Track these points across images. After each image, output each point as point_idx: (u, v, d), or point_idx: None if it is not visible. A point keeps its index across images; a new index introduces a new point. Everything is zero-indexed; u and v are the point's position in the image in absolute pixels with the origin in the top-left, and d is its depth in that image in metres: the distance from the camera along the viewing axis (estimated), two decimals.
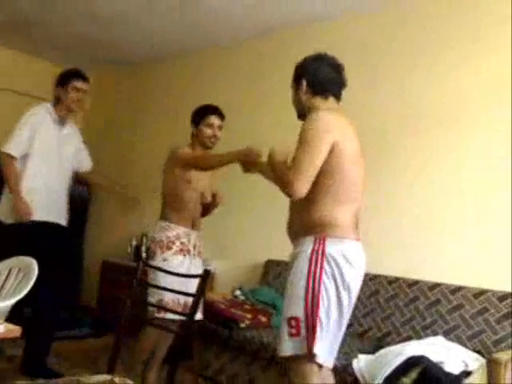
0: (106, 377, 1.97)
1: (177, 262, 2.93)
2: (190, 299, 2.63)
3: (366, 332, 3.31)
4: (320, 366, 2.03)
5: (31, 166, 3.31)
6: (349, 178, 2.07)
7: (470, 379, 2.38)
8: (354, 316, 3.35)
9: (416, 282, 3.27)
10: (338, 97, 2.25)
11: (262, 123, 4.27)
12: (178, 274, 2.48)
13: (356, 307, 3.35)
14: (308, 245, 2.03)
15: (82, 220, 5.73)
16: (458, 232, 3.26)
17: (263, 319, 3.38)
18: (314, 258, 2.00)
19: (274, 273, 3.88)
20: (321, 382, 2.03)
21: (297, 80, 2.26)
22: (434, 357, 2.48)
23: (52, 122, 3.41)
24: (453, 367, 2.45)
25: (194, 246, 3.09)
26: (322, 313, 1.97)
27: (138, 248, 4.83)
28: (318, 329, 1.97)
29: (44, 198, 3.36)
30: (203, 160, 3.01)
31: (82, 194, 5.65)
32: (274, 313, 3.46)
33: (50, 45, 5.19)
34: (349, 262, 2.02)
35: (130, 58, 5.41)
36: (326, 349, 2.00)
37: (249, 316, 3.35)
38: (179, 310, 2.79)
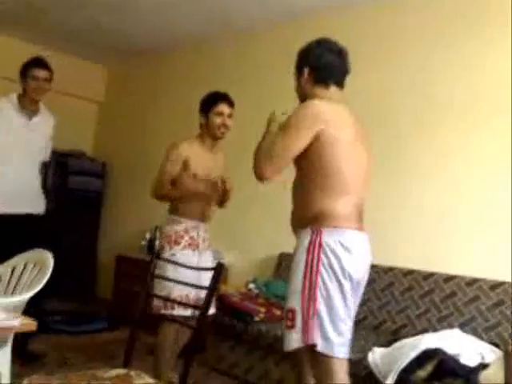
0: (121, 370, 1.99)
1: (186, 257, 2.83)
2: (202, 294, 2.57)
3: (380, 325, 3.30)
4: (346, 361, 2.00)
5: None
6: (344, 169, 2.01)
7: (487, 371, 2.36)
8: (368, 309, 3.36)
9: (431, 275, 3.25)
10: (340, 84, 2.17)
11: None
12: (188, 267, 2.46)
13: (370, 300, 3.38)
14: (305, 237, 2.01)
15: (96, 214, 5.77)
16: (473, 224, 3.23)
17: (277, 313, 3.37)
18: (311, 249, 1.97)
19: (288, 266, 3.86)
20: (344, 373, 1.99)
21: (299, 67, 2.19)
22: (449, 349, 2.46)
23: (15, 111, 3.40)
24: (469, 360, 2.43)
25: (204, 240, 3.00)
26: (320, 304, 1.94)
27: (151, 241, 4.85)
28: (316, 320, 1.93)
29: (14, 187, 3.35)
30: (158, 189, 2.95)
31: (95, 188, 5.69)
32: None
33: (60, 35, 5.20)
34: (348, 250, 1.98)
35: (141, 48, 5.40)
36: (331, 339, 1.95)
37: (263, 309, 3.35)
38: (189, 307, 2.71)
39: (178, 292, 2.73)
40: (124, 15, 4.59)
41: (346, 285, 1.97)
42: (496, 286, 2.98)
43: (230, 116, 2.98)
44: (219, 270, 2.04)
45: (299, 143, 1.98)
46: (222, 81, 4.64)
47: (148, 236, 4.93)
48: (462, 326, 2.95)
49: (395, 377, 2.43)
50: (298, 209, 2.11)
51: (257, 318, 3.27)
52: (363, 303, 3.39)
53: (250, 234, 4.35)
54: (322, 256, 1.95)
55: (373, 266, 3.47)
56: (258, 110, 4.22)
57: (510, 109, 3.11)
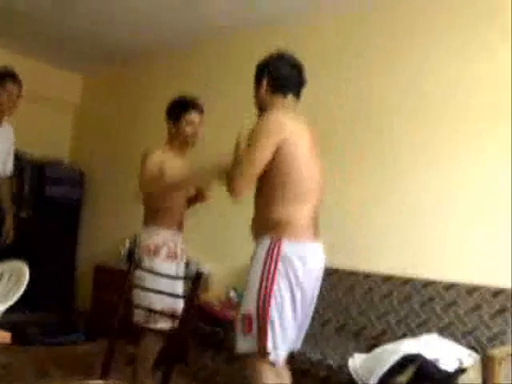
0: (99, 382, 1.96)
1: (165, 269, 2.77)
2: (178, 307, 2.63)
3: (360, 331, 3.31)
4: (273, 363, 2.06)
5: None
6: (301, 177, 2.10)
7: (465, 376, 2.38)
8: (348, 315, 3.37)
9: (409, 280, 3.27)
10: (297, 95, 2.28)
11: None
12: (167, 276, 2.45)
13: (350, 306, 3.39)
14: (265, 244, 2.07)
15: (74, 223, 5.70)
16: (451, 229, 3.27)
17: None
18: (269, 258, 2.03)
19: None
20: (276, 379, 2.05)
21: (258, 78, 2.29)
22: (428, 354, 2.48)
23: None
24: (448, 364, 2.45)
25: (181, 250, 2.97)
26: (273, 311, 2.00)
27: (130, 251, 4.80)
28: (269, 326, 2.00)
29: None
30: (153, 185, 2.82)
31: (73, 197, 5.62)
32: None
33: (35, 42, 5.15)
34: (304, 262, 2.05)
35: (118, 54, 5.36)
36: (278, 346, 2.02)
37: None
38: (169, 318, 2.64)
39: (159, 305, 2.60)
40: (99, 21, 4.56)
41: (298, 295, 2.05)
42: (473, 290, 3.01)
43: (200, 124, 2.93)
44: (198, 279, 2.03)
45: (265, 154, 2.06)
46: (201, 86, 4.64)
47: (127, 245, 4.88)
48: (441, 331, 2.97)
49: (375, 383, 2.44)
50: (259, 216, 2.17)
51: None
52: (343, 310, 3.42)
53: (230, 243, 4.34)
54: (280, 264, 2.02)
55: (351, 273, 3.53)
56: (239, 115, 4.24)
57: (509, 105, 3.12)
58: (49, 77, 5.70)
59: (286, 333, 2.03)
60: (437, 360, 2.46)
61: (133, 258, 4.58)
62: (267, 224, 2.09)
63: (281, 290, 2.01)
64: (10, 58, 5.37)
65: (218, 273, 4.31)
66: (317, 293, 2.22)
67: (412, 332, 3.09)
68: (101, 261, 5.02)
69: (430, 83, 3.46)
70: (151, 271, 2.63)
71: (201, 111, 2.94)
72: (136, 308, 2.66)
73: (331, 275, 3.60)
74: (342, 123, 3.84)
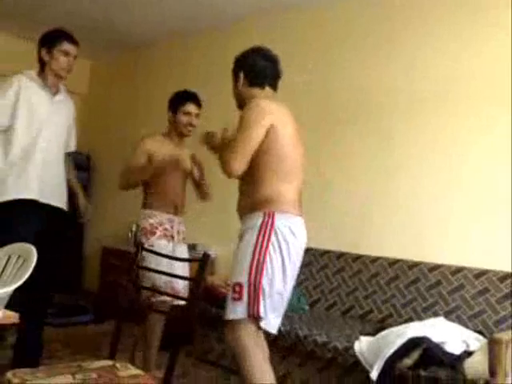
0: (107, 362, 1.98)
1: (160, 246, 2.92)
2: (177, 284, 2.87)
3: (367, 314, 3.31)
4: (256, 330, 2.15)
5: (16, 137, 2.81)
6: (288, 158, 2.22)
7: (471, 359, 2.38)
8: (355, 298, 3.38)
9: (417, 264, 3.27)
10: (273, 86, 2.39)
11: None
12: (168, 257, 2.50)
13: (357, 289, 3.40)
14: (257, 219, 2.16)
15: None
16: (458, 213, 3.25)
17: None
18: (262, 230, 2.13)
19: None
20: (254, 344, 2.13)
21: (235, 73, 2.40)
22: (435, 337, 2.48)
23: (40, 89, 2.92)
24: (454, 348, 2.46)
25: (178, 232, 3.10)
26: (264, 281, 2.10)
27: (137, 233, 4.82)
28: (261, 295, 2.09)
29: (41, 174, 2.88)
30: (126, 177, 3.07)
31: (81, 181, 5.62)
32: None
33: (44, 29, 5.12)
34: (294, 235, 2.17)
35: (125, 41, 5.35)
36: (267, 314, 2.12)
37: None
38: (170, 293, 2.80)
39: (162, 280, 2.83)
40: (108, 8, 4.53)
41: (288, 267, 2.16)
42: (480, 274, 3.01)
43: (197, 116, 3.11)
44: (205, 261, 2.03)
45: (258, 136, 2.17)
46: (207, 74, 4.62)
47: (134, 228, 4.89)
48: (447, 315, 2.97)
49: (381, 365, 2.45)
50: (249, 195, 2.25)
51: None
52: (349, 293, 3.43)
53: (237, 226, 4.34)
54: (273, 237, 2.13)
55: (358, 257, 3.54)
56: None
57: (509, 97, 3.10)
58: None
59: (273, 302, 2.14)
60: (443, 343, 2.46)
61: (136, 240, 4.64)
62: (258, 202, 2.19)
63: (272, 260, 2.11)
64: (17, 43, 5.37)
65: (225, 255, 4.32)
66: (299, 264, 2.29)
67: (418, 316, 3.09)
68: (108, 243, 5.05)
69: (437, 72, 3.43)
70: (154, 251, 2.64)
71: (198, 104, 3.13)
72: (142, 288, 2.80)
73: (338, 259, 3.61)
74: (348, 109, 3.82)
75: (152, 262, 2.71)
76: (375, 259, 3.45)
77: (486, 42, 3.24)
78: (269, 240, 2.12)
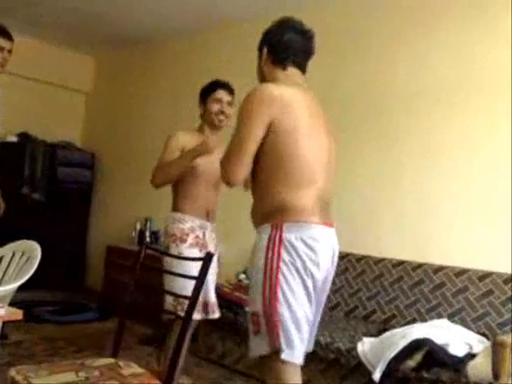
0: (109, 360, 1.98)
1: (191, 255, 2.62)
2: (211, 299, 2.72)
3: (370, 315, 3.31)
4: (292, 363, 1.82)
5: None
6: (303, 158, 1.83)
7: (475, 361, 2.37)
8: (358, 299, 3.37)
9: (421, 265, 3.26)
10: (301, 66, 1.99)
11: None
12: (192, 259, 2.37)
13: (360, 290, 3.39)
14: (265, 232, 1.83)
15: (86, 205, 5.74)
16: (463, 215, 3.24)
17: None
18: (270, 246, 1.79)
19: None
20: (296, 378, 1.84)
21: (260, 47, 2.03)
22: (438, 339, 2.47)
23: None
24: (457, 349, 2.45)
25: (210, 240, 2.81)
26: (281, 306, 1.76)
27: (142, 232, 4.84)
28: (280, 323, 1.76)
29: None
30: (161, 171, 2.69)
31: (85, 179, 5.65)
32: None
33: (48, 25, 5.13)
34: (309, 247, 1.79)
35: (129, 38, 5.33)
36: (293, 344, 1.78)
37: None
38: (200, 309, 2.62)
39: (187, 291, 2.31)
40: (112, 4, 4.53)
41: (309, 283, 1.80)
42: (485, 276, 3.00)
43: (229, 104, 2.80)
44: (208, 260, 2.03)
45: (255, 133, 1.81)
46: (213, 71, 4.61)
47: (138, 227, 4.91)
48: (451, 317, 2.97)
49: (384, 367, 2.44)
50: (257, 204, 1.92)
51: (247, 309, 3.25)
52: (353, 294, 3.42)
53: (241, 225, 4.33)
54: (283, 252, 1.78)
55: (363, 257, 3.53)
56: None
57: (510, 94, 3.09)
58: (61, 60, 5.71)
59: (300, 328, 1.79)
60: (446, 345, 2.46)
61: (143, 239, 4.63)
62: (267, 210, 1.85)
63: (288, 281, 1.77)
64: (21, 41, 5.37)
65: (229, 255, 4.31)
66: (330, 282, 2.00)
67: (422, 317, 3.08)
68: (112, 241, 5.06)
69: (443, 72, 3.41)
70: (179, 257, 2.53)
71: (230, 91, 2.83)
72: (166, 295, 2.60)
73: (342, 260, 3.60)
74: (355, 109, 3.81)
75: (175, 266, 2.45)
76: (379, 260, 3.44)
77: (493, 41, 3.22)
78: (279, 257, 1.77)
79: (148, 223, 4.81)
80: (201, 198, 2.77)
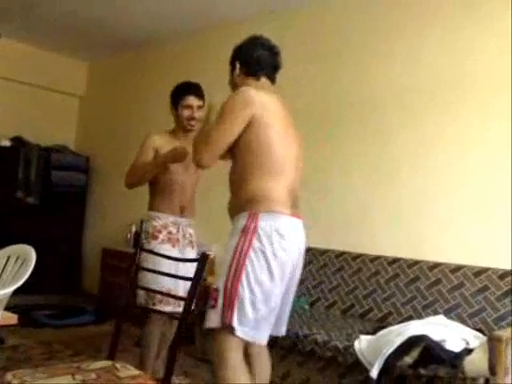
0: (106, 363, 1.98)
1: (164, 252, 2.64)
2: (180, 290, 2.67)
3: (367, 313, 3.31)
4: (240, 341, 1.98)
5: None
6: (274, 153, 2.04)
7: (471, 357, 2.38)
8: (355, 297, 3.38)
9: (416, 262, 3.27)
10: (271, 78, 2.24)
11: None
12: (169, 257, 2.40)
13: (357, 288, 3.40)
14: (241, 220, 2.02)
15: (81, 208, 5.73)
16: (458, 211, 3.25)
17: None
18: (245, 233, 1.98)
19: None
20: (239, 358, 1.99)
21: (232, 62, 2.27)
22: (435, 335, 2.48)
23: None
24: (454, 345, 2.45)
25: (184, 236, 2.91)
26: (242, 287, 1.93)
27: (137, 234, 4.82)
28: (237, 303, 1.92)
29: None
30: (133, 173, 2.87)
31: (80, 182, 5.64)
32: None
33: (42, 30, 5.13)
34: (282, 236, 1.98)
35: (123, 42, 5.34)
36: (249, 323, 1.94)
37: None
38: (171, 302, 2.70)
39: (158, 287, 2.58)
40: (105, 9, 4.53)
41: (276, 270, 1.97)
42: (480, 272, 3.01)
43: (199, 108, 2.90)
44: (203, 261, 2.02)
45: (234, 128, 2.02)
46: (210, 72, 4.61)
47: (133, 229, 4.90)
48: (447, 313, 2.97)
49: (381, 364, 2.44)
50: (234, 195, 2.12)
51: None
52: (349, 292, 3.43)
53: None
54: (255, 240, 1.96)
55: (358, 256, 3.53)
56: None
57: (509, 90, 3.10)
58: (55, 65, 5.72)
59: (258, 311, 1.95)
60: (443, 341, 2.46)
61: (139, 242, 4.61)
62: (243, 201, 2.04)
63: (254, 266, 1.94)
64: (15, 46, 5.38)
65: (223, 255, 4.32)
66: (299, 272, 2.16)
67: (418, 314, 3.09)
68: (108, 244, 5.05)
69: (437, 70, 3.42)
70: (154, 252, 2.51)
71: (199, 96, 2.92)
72: (142, 289, 2.65)
73: (338, 258, 3.61)
74: (350, 105, 3.82)
75: (148, 262, 2.53)
76: (375, 258, 3.45)
77: (488, 38, 3.23)
78: (250, 243, 1.96)
79: (143, 225, 4.79)
80: (174, 195, 2.90)
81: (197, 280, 1.98)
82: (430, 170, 3.39)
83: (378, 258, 3.44)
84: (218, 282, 2.00)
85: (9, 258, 2.45)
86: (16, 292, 2.21)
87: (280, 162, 2.05)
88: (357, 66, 3.81)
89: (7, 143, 5.29)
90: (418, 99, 3.48)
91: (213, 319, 1.96)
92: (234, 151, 2.10)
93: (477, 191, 3.19)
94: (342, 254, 3.61)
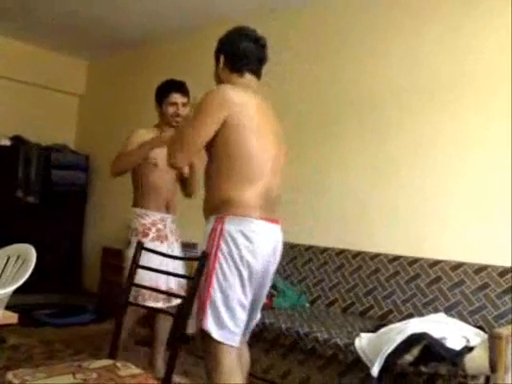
0: (107, 361, 1.98)
1: (154, 248, 2.68)
2: (174, 286, 2.78)
3: (367, 311, 3.31)
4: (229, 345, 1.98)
5: None
6: (248, 156, 1.99)
7: (472, 354, 2.38)
8: (355, 295, 3.38)
9: (417, 260, 3.27)
10: (256, 73, 2.16)
11: None
12: (179, 258, 2.44)
13: (357, 286, 3.40)
14: (209, 224, 2.02)
15: (81, 207, 5.73)
16: (458, 209, 3.25)
17: (265, 300, 3.38)
18: (212, 237, 1.99)
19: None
20: (230, 361, 1.98)
21: (216, 55, 2.20)
22: (435, 333, 2.48)
23: None
24: (454, 343, 2.45)
25: (171, 231, 2.98)
26: (214, 290, 1.94)
27: None
28: (209, 307, 1.94)
29: None
30: (120, 159, 2.88)
31: (80, 181, 5.64)
32: (275, 294, 3.47)
33: (41, 29, 5.12)
34: (249, 239, 1.96)
35: (122, 40, 5.33)
36: (224, 327, 1.95)
37: None
38: (161, 297, 2.78)
39: (148, 282, 2.58)
40: (105, 7, 4.52)
41: (245, 273, 1.97)
42: (480, 269, 3.01)
43: (184, 105, 2.95)
44: (204, 260, 2.02)
45: (208, 129, 1.98)
46: (206, 73, 4.60)
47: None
48: (448, 310, 2.97)
49: (382, 362, 2.44)
50: (207, 197, 2.10)
51: None
52: (350, 289, 3.43)
53: None
54: (222, 243, 1.96)
55: (358, 253, 3.53)
56: None
57: (509, 89, 3.09)
58: (54, 64, 5.71)
59: (233, 313, 1.97)
60: (444, 339, 2.46)
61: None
62: (213, 204, 2.03)
63: (223, 269, 1.95)
64: (14, 45, 5.38)
65: None
66: (272, 271, 2.14)
67: (419, 312, 3.09)
68: (108, 243, 5.05)
69: (436, 68, 3.42)
70: (156, 252, 2.59)
71: (184, 93, 2.97)
72: (140, 287, 2.63)
73: (338, 256, 3.61)
74: (349, 104, 3.81)
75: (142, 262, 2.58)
76: (375, 256, 3.45)
77: (486, 36, 3.23)
78: (218, 248, 1.96)
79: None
80: (161, 192, 2.96)
81: (197, 279, 1.97)
82: (429, 168, 3.38)
83: (378, 255, 3.44)
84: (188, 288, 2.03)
85: (9, 257, 2.45)
86: (16, 291, 2.21)
87: (253, 164, 2.00)
88: (355, 65, 3.81)
89: (7, 142, 5.28)
90: (416, 98, 3.47)
91: (190, 325, 1.96)
92: (208, 150, 2.07)
93: (476, 189, 3.19)
94: (342, 251, 3.61)
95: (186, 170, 2.96)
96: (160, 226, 2.93)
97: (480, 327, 2.73)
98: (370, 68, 3.73)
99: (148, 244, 2.76)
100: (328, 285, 3.55)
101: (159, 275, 2.60)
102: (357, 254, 3.53)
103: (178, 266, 2.86)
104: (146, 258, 2.46)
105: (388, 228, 3.51)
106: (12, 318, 1.70)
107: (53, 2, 4.46)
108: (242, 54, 2.12)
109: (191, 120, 2.02)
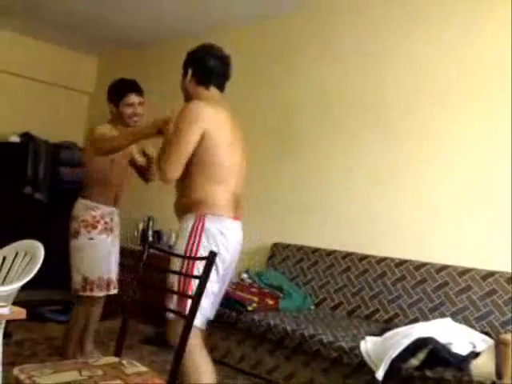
0: (113, 359, 1.98)
1: (103, 241, 2.99)
2: (113, 277, 3.13)
3: (373, 314, 3.31)
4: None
5: None
6: (220, 162, 2.24)
7: (478, 360, 2.37)
8: (361, 298, 3.37)
9: (424, 264, 3.26)
10: (220, 88, 2.40)
11: (260, 106, 4.24)
12: (183, 257, 2.44)
13: (363, 289, 3.39)
14: (189, 221, 2.21)
15: None
16: (466, 214, 3.24)
17: (270, 302, 3.38)
18: (193, 234, 2.19)
19: (281, 256, 3.87)
20: (200, 341, 2.19)
21: (184, 68, 2.40)
22: (441, 338, 2.47)
23: None
24: (460, 348, 2.45)
25: (116, 225, 3.12)
26: (195, 282, 2.05)
27: (144, 232, 4.84)
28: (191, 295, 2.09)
29: None
30: (113, 142, 2.85)
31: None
32: (281, 296, 3.47)
33: (51, 26, 5.14)
34: (224, 236, 2.22)
35: (132, 39, 5.34)
36: (201, 312, 2.11)
37: (256, 299, 3.35)
38: (104, 287, 3.04)
39: (96, 273, 2.99)
40: (116, 6, 4.53)
41: (221, 266, 2.22)
42: (488, 275, 2.99)
43: (140, 104, 3.03)
44: (212, 259, 2.03)
45: (191, 138, 2.17)
46: None
47: (141, 226, 4.91)
48: (454, 316, 2.96)
49: (387, 366, 2.44)
50: (183, 196, 2.29)
51: (250, 308, 3.27)
52: (356, 292, 3.42)
53: (243, 224, 4.34)
54: (204, 239, 2.18)
55: (365, 257, 3.53)
56: (244, 103, 4.24)
57: (508, 94, 3.09)
58: (64, 61, 5.73)
59: (209, 301, 2.20)
60: (449, 344, 2.45)
61: (146, 239, 4.64)
62: (191, 204, 2.23)
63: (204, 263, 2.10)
64: (25, 42, 5.40)
65: None
66: (234, 264, 2.37)
67: (425, 316, 3.08)
68: None
69: (435, 69, 3.41)
70: (162, 251, 2.64)
71: (140, 92, 3.05)
72: (74, 274, 3.01)
73: (344, 259, 3.60)
74: (353, 107, 3.81)
75: (86, 250, 2.92)
76: (382, 259, 3.44)
77: (485, 35, 3.23)
78: (199, 242, 2.18)
79: (150, 222, 4.81)
80: (112, 186, 3.04)
81: (205, 279, 1.97)
82: (439, 171, 3.37)
83: (384, 259, 3.43)
84: (169, 279, 2.21)
85: (17, 253, 2.46)
86: (22, 287, 2.23)
87: (225, 170, 2.26)
88: (360, 66, 3.80)
89: (16, 139, 5.31)
90: (421, 101, 3.47)
91: (172, 312, 2.15)
92: None
93: (485, 194, 3.17)
94: (348, 255, 3.60)
95: (142, 158, 3.13)
96: (107, 219, 3.04)
97: (486, 333, 2.72)
98: (375, 69, 3.72)
99: (96, 236, 2.97)
100: (334, 287, 3.55)
101: (103, 266, 2.98)
102: (363, 258, 3.53)
103: (118, 257, 3.21)
104: (97, 250, 2.85)
105: (395, 232, 3.50)
106: (21, 313, 1.71)
107: (65, 1, 4.48)
108: (208, 71, 2.36)
109: (175, 135, 2.20)
